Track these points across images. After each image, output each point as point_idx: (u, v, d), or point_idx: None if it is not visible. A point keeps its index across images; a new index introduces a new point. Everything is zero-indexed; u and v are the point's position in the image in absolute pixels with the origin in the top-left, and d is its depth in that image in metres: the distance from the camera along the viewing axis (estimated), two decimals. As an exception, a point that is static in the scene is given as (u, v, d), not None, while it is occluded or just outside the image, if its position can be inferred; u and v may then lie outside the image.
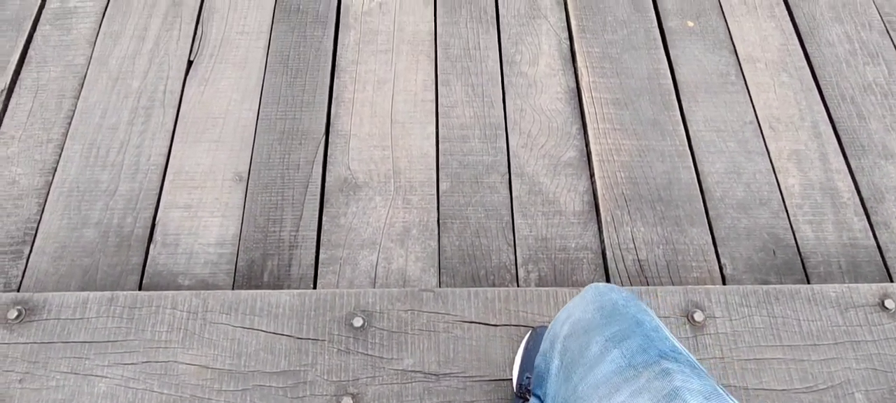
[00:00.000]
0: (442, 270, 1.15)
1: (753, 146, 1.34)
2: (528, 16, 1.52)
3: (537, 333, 1.00)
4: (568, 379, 0.57)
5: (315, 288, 1.13)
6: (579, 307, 0.62)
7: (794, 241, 1.22)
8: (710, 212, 1.25)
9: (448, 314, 1.03)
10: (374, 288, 1.10)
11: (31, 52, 1.41)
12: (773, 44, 1.50)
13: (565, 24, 1.52)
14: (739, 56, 1.48)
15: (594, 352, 0.56)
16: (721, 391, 0.51)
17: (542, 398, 0.66)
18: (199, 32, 1.45)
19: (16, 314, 1.00)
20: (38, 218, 1.20)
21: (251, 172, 1.26)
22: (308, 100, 1.36)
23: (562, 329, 0.63)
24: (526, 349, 0.99)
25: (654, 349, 0.54)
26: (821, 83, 1.44)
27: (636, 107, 1.38)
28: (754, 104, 1.40)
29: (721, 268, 1.18)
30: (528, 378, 0.94)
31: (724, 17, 1.56)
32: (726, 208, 1.25)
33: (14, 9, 1.46)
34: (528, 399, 0.91)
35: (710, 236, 1.22)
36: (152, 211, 1.21)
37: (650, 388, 0.51)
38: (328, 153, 1.29)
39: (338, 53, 1.43)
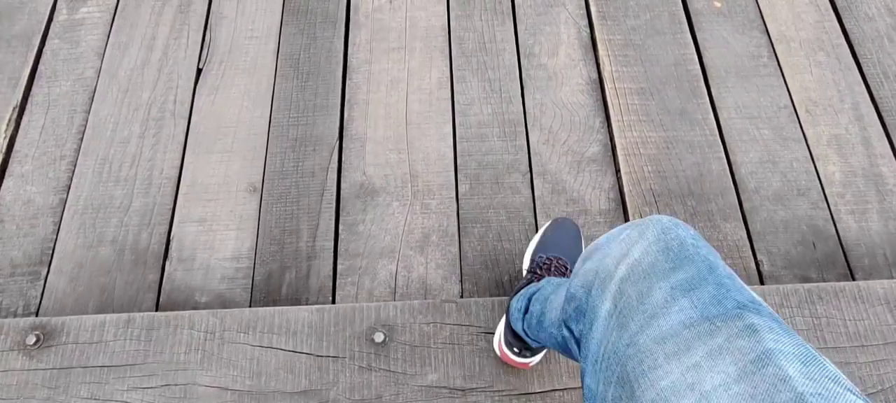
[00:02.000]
0: (464, 277, 1.11)
1: (789, 132, 1.26)
2: (546, 4, 1.45)
3: (559, 224, 1.03)
4: (623, 327, 0.48)
5: (334, 300, 1.10)
6: (640, 246, 0.52)
7: (835, 233, 1.15)
8: (745, 205, 1.18)
9: (472, 325, 0.99)
10: (395, 300, 1.07)
11: (41, 66, 1.39)
12: (808, 21, 1.41)
13: (584, 11, 1.45)
14: (771, 36, 1.40)
15: (657, 300, 0.47)
16: (815, 353, 0.42)
17: (577, 336, 0.57)
18: (207, 39, 1.41)
19: (34, 340, 0.99)
20: (54, 237, 1.19)
21: (265, 182, 1.23)
22: (321, 103, 1.32)
23: (617, 268, 0.53)
24: (544, 235, 1.02)
25: (731, 299, 0.45)
26: (861, 61, 1.35)
27: (662, 96, 1.31)
28: (789, 87, 1.32)
29: (757, 265, 1.12)
30: (542, 256, 0.95)
31: (754, -6, 1.47)
32: (762, 200, 1.19)
33: (22, 24, 1.44)
34: (540, 279, 0.88)
35: (744, 231, 1.15)
36: (167, 226, 1.19)
37: (733, 348, 0.41)
38: (343, 158, 1.25)
39: (349, 54, 1.39)
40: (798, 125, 1.27)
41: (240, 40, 1.41)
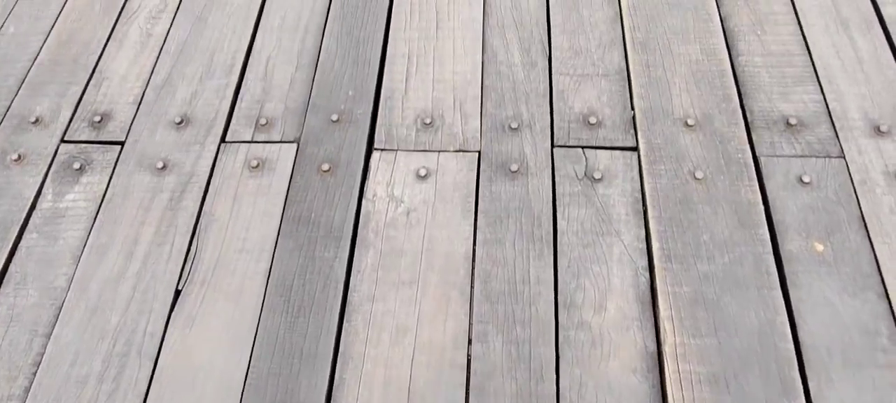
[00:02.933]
0: None
1: (923, 471, 0.93)
2: (596, 232, 1.18)
3: None
4: None
5: None
6: None
7: None
8: None
9: None
10: None
11: (12, 267, 1.23)
12: (946, 290, 1.08)
13: (644, 244, 1.17)
14: (892, 302, 1.07)
15: None
16: None
17: None
18: (193, 248, 1.22)
19: None
20: None
21: (228, 467, 1.00)
22: (309, 350, 1.09)
23: None
24: None
25: None
26: None
27: (741, 387, 1.01)
28: (921, 394, 0.99)
29: None
30: None
31: (869, 235, 1.15)
32: None
33: (2, 212, 1.30)
34: None
35: None
36: None
37: None
38: (325, 443, 1.01)
39: (350, 284, 1.16)
40: (935, 459, 0.93)
41: (228, 253, 1.21)
